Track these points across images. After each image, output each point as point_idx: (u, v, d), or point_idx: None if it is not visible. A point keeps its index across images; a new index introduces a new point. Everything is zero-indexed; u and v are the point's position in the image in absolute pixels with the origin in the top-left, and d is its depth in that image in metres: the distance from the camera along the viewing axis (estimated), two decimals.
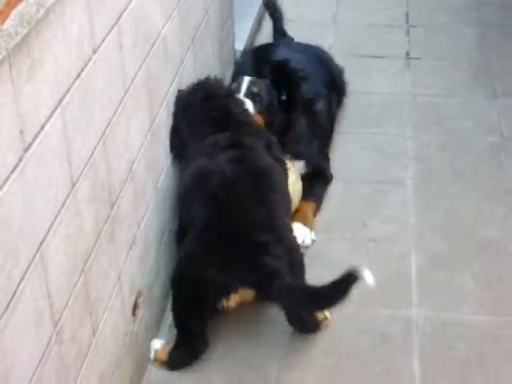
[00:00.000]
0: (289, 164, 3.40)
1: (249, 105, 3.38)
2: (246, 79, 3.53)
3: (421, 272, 3.23)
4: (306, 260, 3.25)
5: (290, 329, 2.96)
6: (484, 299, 3.10)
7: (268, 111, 3.48)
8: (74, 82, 2.00)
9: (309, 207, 3.53)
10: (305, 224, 3.44)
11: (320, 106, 3.88)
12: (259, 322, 3.01)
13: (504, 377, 2.80)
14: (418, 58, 4.77)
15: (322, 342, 2.93)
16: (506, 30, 5.05)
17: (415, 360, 2.86)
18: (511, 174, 3.78)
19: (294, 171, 3.47)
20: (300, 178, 3.53)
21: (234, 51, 4.33)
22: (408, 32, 5.04)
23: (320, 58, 4.22)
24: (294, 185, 3.41)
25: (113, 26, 2.28)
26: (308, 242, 3.38)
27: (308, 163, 3.64)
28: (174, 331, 2.85)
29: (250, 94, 3.46)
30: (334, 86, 4.14)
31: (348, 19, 5.16)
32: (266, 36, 4.87)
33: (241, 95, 3.42)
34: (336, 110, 4.14)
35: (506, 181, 3.74)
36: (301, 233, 3.37)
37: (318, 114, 3.84)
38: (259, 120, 3.41)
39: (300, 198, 3.50)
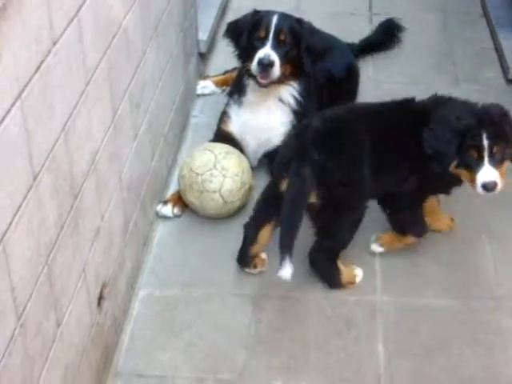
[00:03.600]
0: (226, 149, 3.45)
1: (274, 57, 3.44)
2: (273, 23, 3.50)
3: (384, 258, 3.27)
4: None
5: (256, 317, 2.99)
6: (446, 284, 3.15)
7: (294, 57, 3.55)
8: (33, 75, 2.00)
9: None
10: None
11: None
12: (226, 310, 3.04)
13: (467, 360, 2.85)
14: None
15: (288, 329, 2.96)
16: (468, 17, 5.11)
17: (379, 345, 2.90)
18: None
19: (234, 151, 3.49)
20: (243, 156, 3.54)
21: (198, 41, 4.32)
22: (371, 20, 5.07)
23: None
24: (241, 162, 3.44)
25: (73, 18, 2.27)
26: None
27: None
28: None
29: (276, 45, 3.49)
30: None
31: (311, 8, 5.15)
32: None
33: (268, 45, 3.46)
34: None
35: None
36: None
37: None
38: (285, 70, 3.49)
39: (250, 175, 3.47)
